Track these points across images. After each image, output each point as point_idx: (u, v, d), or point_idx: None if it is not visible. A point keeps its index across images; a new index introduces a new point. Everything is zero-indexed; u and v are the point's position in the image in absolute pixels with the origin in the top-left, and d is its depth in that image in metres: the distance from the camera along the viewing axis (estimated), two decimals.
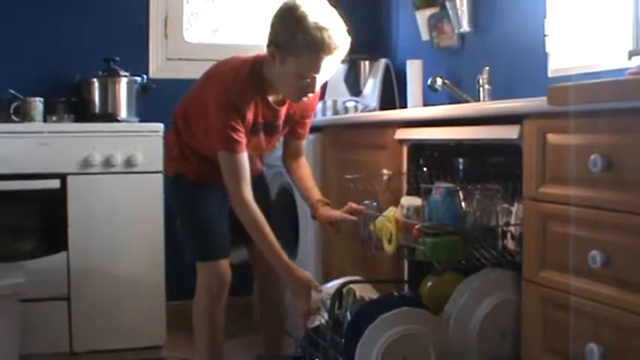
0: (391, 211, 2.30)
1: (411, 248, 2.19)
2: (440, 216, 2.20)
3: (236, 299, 3.93)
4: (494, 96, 3.21)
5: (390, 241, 2.25)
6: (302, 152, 2.92)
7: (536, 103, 1.91)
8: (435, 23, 3.77)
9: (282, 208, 3.85)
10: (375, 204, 2.62)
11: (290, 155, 2.92)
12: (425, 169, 2.72)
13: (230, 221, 2.77)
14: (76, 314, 3.36)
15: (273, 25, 2.50)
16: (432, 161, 2.72)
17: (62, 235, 3.34)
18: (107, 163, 3.38)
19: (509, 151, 2.14)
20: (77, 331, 3.36)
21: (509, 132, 2.07)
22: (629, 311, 1.63)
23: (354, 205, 2.65)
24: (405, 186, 2.73)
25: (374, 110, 3.91)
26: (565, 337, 1.84)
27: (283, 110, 2.70)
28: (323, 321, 2.39)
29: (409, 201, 2.22)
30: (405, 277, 2.73)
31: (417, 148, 2.71)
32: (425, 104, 3.76)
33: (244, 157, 2.56)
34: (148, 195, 3.46)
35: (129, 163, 3.41)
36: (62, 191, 3.34)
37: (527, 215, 2.00)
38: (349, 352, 2.16)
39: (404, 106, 3.92)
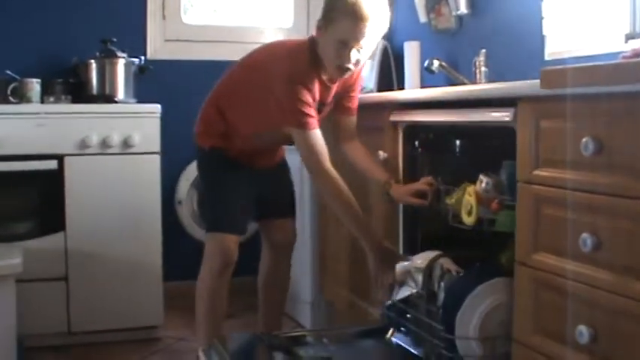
0: (468, 186, 2.37)
1: (491, 220, 2.27)
2: None
3: (234, 280, 3.97)
4: (490, 78, 3.21)
5: (469, 214, 2.34)
6: (354, 131, 2.90)
7: (530, 86, 1.92)
8: (432, 5, 3.76)
9: None
10: None
11: (344, 137, 2.90)
12: (420, 150, 2.73)
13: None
14: (73, 294, 3.37)
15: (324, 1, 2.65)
16: (427, 143, 2.73)
17: (59, 215, 3.35)
18: (104, 144, 3.38)
19: (504, 134, 2.14)
20: (75, 311, 3.38)
21: (504, 115, 2.08)
22: (619, 294, 1.65)
23: (429, 179, 2.65)
24: (400, 167, 2.75)
25: (371, 92, 3.91)
26: (556, 319, 1.86)
27: (334, 88, 2.76)
28: (414, 292, 2.46)
29: (488, 176, 2.27)
30: None
31: (413, 130, 2.72)
32: (422, 86, 3.76)
33: (319, 132, 2.61)
34: (145, 176, 3.46)
35: (126, 144, 3.41)
36: (59, 172, 3.34)
37: (521, 198, 2.01)
38: (448, 320, 2.24)
39: (401, 87, 3.92)
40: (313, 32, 2.69)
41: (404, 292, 2.52)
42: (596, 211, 1.71)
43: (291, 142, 2.73)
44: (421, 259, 2.48)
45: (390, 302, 2.59)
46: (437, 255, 2.46)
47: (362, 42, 2.56)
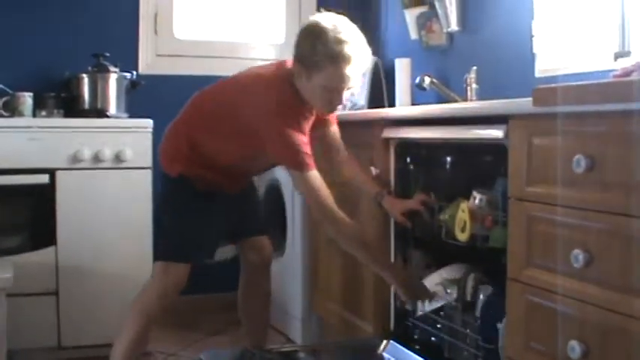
0: (462, 202, 2.38)
1: (485, 236, 2.30)
2: None
3: (221, 296, 3.97)
4: (481, 95, 3.23)
5: (463, 230, 2.36)
6: (341, 143, 2.85)
7: (522, 103, 1.93)
8: (423, 22, 3.79)
9: (270, 204, 3.87)
10: None
11: (333, 151, 2.86)
12: (411, 167, 2.75)
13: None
14: (64, 309, 3.36)
15: (297, 43, 2.53)
16: (419, 160, 2.75)
17: (51, 230, 3.34)
18: (96, 158, 3.38)
19: (496, 150, 2.16)
20: (65, 325, 3.36)
21: (496, 132, 2.09)
22: (611, 310, 1.66)
23: (424, 196, 2.67)
24: (392, 183, 2.77)
25: (362, 108, 3.93)
26: (548, 335, 1.87)
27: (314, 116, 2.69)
28: (447, 303, 2.51)
29: (481, 192, 2.28)
30: None
31: (404, 146, 2.73)
32: (413, 103, 3.78)
33: (317, 172, 2.53)
34: (136, 190, 3.46)
35: (118, 158, 3.41)
36: (51, 186, 3.34)
37: (513, 214, 2.02)
38: (486, 330, 2.27)
39: (392, 104, 3.94)
40: (288, 62, 2.60)
41: (436, 304, 2.54)
42: (587, 227, 1.73)
43: (275, 165, 2.73)
44: (452, 272, 2.51)
45: (420, 313, 2.62)
46: (468, 267, 2.49)
47: (351, 83, 2.50)
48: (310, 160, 2.51)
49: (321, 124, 2.76)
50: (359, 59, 2.47)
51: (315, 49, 2.45)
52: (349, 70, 2.45)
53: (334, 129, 2.85)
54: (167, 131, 2.82)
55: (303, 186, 2.54)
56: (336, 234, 2.57)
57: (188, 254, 2.73)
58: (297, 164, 2.50)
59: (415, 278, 2.62)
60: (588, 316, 1.73)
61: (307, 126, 2.59)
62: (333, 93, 2.50)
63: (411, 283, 2.58)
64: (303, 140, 2.50)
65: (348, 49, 2.43)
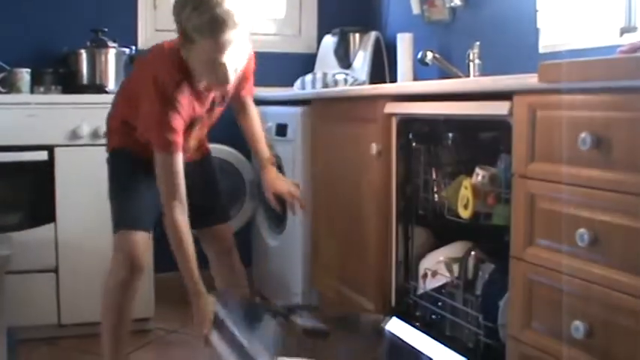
0: (464, 179, 2.36)
1: (488, 214, 2.28)
2: None
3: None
4: (484, 71, 3.20)
5: (466, 207, 2.34)
6: (249, 105, 2.87)
7: (527, 79, 1.90)
8: None
9: None
10: None
11: (238, 112, 2.88)
12: (414, 143, 2.72)
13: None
14: (63, 286, 3.36)
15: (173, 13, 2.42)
16: (421, 135, 2.72)
17: (50, 206, 3.33)
18: (95, 134, 3.36)
19: (499, 127, 2.13)
20: (65, 303, 3.36)
21: (499, 108, 2.06)
22: (616, 289, 1.64)
23: (296, 186, 2.75)
24: (394, 159, 2.74)
25: (364, 83, 3.90)
26: (551, 314, 1.85)
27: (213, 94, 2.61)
28: (448, 281, 2.49)
29: (484, 169, 2.26)
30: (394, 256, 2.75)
31: (406, 122, 2.71)
32: (415, 78, 3.75)
33: (180, 158, 2.47)
34: None
35: None
36: (50, 163, 3.32)
37: (516, 192, 2.00)
38: (487, 307, 2.27)
39: (394, 79, 3.91)
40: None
41: (437, 282, 2.54)
42: (593, 206, 1.71)
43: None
44: (454, 250, 2.51)
45: (422, 291, 2.62)
46: (470, 245, 2.48)
47: (231, 51, 2.35)
48: (177, 146, 2.44)
49: (237, 99, 2.79)
50: (235, 22, 2.30)
51: (183, 21, 2.34)
52: (226, 39, 2.30)
53: (249, 100, 2.85)
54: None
55: (160, 167, 2.47)
56: (168, 223, 2.51)
57: (126, 217, 2.65)
58: (161, 145, 2.44)
59: (210, 308, 2.52)
60: (593, 296, 1.71)
61: (194, 106, 2.51)
62: (215, 64, 2.36)
63: (205, 311, 2.50)
64: (177, 129, 2.42)
65: (218, 16, 2.28)
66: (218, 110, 2.72)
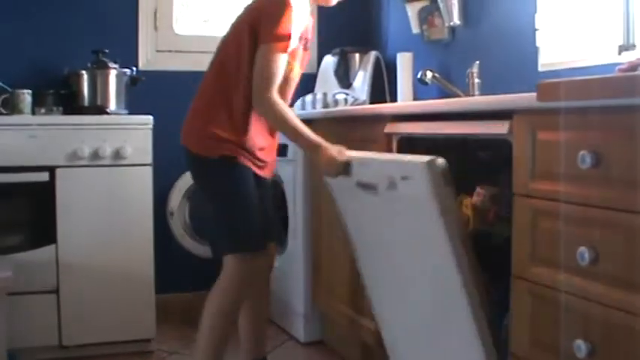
0: (464, 198, 2.39)
1: (487, 232, 2.31)
2: None
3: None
4: (484, 90, 3.21)
5: (467, 226, 2.36)
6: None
7: (526, 98, 1.91)
8: (425, 16, 3.77)
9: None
10: None
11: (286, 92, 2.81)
12: None
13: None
14: (64, 307, 3.34)
15: None
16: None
17: (51, 227, 3.32)
18: (96, 155, 3.36)
19: (499, 146, 2.13)
20: (66, 324, 3.35)
21: (499, 127, 2.07)
22: (617, 308, 1.64)
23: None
24: None
25: (364, 103, 3.91)
26: (554, 333, 1.84)
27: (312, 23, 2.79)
28: None
29: (484, 188, 2.28)
30: None
31: (407, 142, 2.71)
32: (415, 97, 3.76)
33: (285, 59, 2.59)
34: (137, 188, 3.44)
35: (118, 155, 3.39)
36: (51, 184, 3.32)
37: (517, 211, 2.00)
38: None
39: (394, 98, 3.92)
40: None
41: None
42: (593, 224, 1.71)
43: None
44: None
45: None
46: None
47: None
48: (286, 45, 2.57)
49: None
50: None
51: None
52: None
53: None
54: (193, 113, 2.78)
55: (265, 57, 2.57)
56: (270, 104, 2.58)
57: (248, 239, 2.66)
58: (275, 37, 2.55)
59: (337, 155, 2.52)
60: (594, 315, 1.71)
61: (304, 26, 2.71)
62: None
63: (334, 161, 2.51)
64: (290, 28, 2.56)
65: None
66: (306, 56, 2.84)
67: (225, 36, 2.77)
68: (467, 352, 2.19)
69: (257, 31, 2.60)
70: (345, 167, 2.47)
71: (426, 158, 2.07)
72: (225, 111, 2.67)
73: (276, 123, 2.65)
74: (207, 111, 2.72)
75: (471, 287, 2.09)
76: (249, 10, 2.71)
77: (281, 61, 2.59)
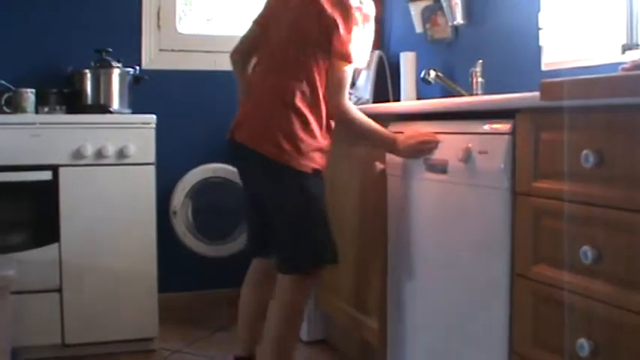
0: None
1: None
2: None
3: (226, 292, 3.95)
4: (487, 89, 3.21)
5: None
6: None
7: (529, 98, 1.91)
8: (428, 15, 3.77)
9: None
10: None
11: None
12: None
13: None
14: (67, 306, 3.35)
15: None
16: None
17: (54, 226, 3.32)
18: (99, 154, 3.37)
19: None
20: (69, 323, 3.35)
21: (502, 126, 2.07)
22: (621, 307, 1.63)
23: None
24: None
25: (367, 102, 3.91)
26: (556, 332, 1.84)
27: None
28: None
29: None
30: None
31: None
32: (418, 97, 3.76)
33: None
34: (140, 187, 3.45)
35: (121, 154, 3.39)
36: (54, 183, 3.32)
37: (520, 210, 2.00)
38: None
39: (397, 97, 3.92)
40: None
41: None
42: (596, 223, 1.70)
43: None
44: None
45: None
46: None
47: None
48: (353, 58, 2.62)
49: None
50: None
51: None
52: None
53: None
54: (261, 116, 2.68)
55: (342, 76, 2.62)
56: (350, 115, 2.66)
57: (333, 251, 2.73)
58: (347, 55, 2.61)
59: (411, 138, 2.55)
60: (597, 314, 1.71)
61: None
62: None
63: (411, 146, 2.53)
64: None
65: None
66: None
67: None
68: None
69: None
70: (425, 146, 2.48)
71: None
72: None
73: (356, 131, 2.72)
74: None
75: None
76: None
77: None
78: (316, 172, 2.64)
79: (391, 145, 2.62)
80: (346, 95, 2.65)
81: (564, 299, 1.80)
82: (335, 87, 2.63)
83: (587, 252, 1.71)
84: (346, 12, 2.61)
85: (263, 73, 2.75)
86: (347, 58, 2.61)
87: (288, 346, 2.71)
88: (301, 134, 2.59)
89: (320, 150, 2.65)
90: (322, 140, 2.66)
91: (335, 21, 2.60)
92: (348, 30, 2.60)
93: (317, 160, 2.64)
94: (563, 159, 1.80)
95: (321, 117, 2.64)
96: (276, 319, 2.68)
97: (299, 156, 2.58)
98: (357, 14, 2.63)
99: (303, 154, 2.59)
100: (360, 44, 2.65)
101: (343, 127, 2.70)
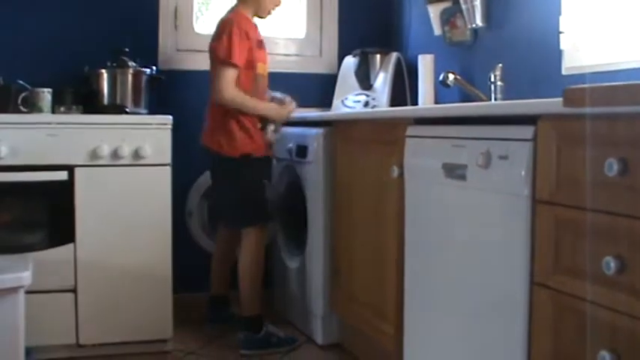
0: None
1: None
2: None
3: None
4: (506, 93, 3.18)
5: None
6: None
7: (552, 104, 1.87)
8: (447, 18, 3.74)
9: (291, 202, 3.84)
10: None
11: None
12: None
13: None
14: (82, 306, 3.34)
15: None
16: None
17: (69, 226, 3.32)
18: (115, 155, 3.36)
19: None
20: (83, 323, 3.34)
21: (524, 132, 2.04)
22: None
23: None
24: None
25: (385, 105, 3.88)
26: (577, 344, 1.81)
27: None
28: None
29: None
30: None
31: None
32: (436, 100, 3.73)
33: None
34: (155, 187, 3.43)
35: (137, 155, 3.38)
36: (70, 183, 3.31)
37: (540, 218, 1.96)
38: None
39: (415, 100, 3.89)
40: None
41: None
42: (620, 233, 1.67)
43: None
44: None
45: None
46: None
47: None
48: (234, 60, 3.37)
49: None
50: None
51: None
52: None
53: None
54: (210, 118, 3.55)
55: (219, 77, 3.40)
56: (233, 95, 3.42)
57: (263, 214, 3.58)
58: (224, 57, 3.37)
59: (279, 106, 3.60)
60: (620, 325, 1.67)
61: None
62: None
63: (280, 111, 3.57)
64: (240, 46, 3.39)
65: None
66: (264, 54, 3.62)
67: None
68: None
69: None
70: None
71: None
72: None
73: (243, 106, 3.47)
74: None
75: None
76: None
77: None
78: (245, 156, 3.46)
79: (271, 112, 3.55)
80: (226, 87, 3.39)
81: (586, 310, 1.77)
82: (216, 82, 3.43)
83: (610, 262, 1.67)
84: (222, 26, 3.47)
85: None
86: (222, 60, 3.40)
87: (249, 294, 3.53)
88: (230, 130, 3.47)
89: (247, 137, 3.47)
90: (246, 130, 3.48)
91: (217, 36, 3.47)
92: (220, 37, 3.41)
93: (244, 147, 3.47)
94: (586, 167, 1.77)
95: (234, 116, 3.45)
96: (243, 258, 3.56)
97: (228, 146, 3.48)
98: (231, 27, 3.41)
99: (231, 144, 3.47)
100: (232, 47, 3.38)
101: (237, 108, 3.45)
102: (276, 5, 3.60)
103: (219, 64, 3.40)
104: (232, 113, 3.42)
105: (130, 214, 3.40)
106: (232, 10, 3.56)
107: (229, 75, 3.38)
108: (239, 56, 3.38)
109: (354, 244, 3.23)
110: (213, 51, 3.45)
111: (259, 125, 3.50)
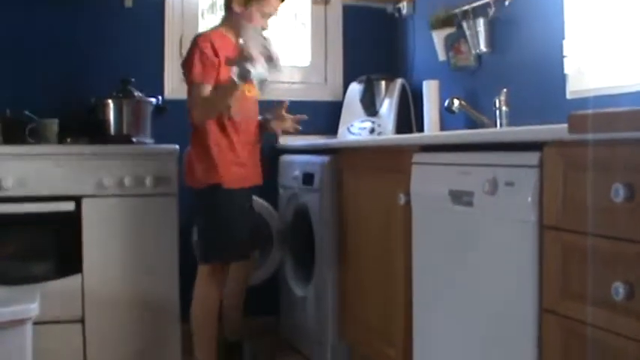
0: None
1: None
2: None
3: (260, 320, 3.93)
4: (512, 118, 3.18)
5: None
6: None
7: (557, 130, 1.87)
8: (451, 43, 3.75)
9: (298, 230, 3.83)
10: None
11: None
12: None
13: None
14: (90, 337, 3.34)
15: None
16: None
17: (77, 257, 3.33)
18: (122, 185, 3.37)
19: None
20: (91, 353, 3.34)
21: (530, 158, 2.04)
22: None
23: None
24: None
25: (390, 132, 3.89)
26: None
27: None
28: None
29: None
30: None
31: None
32: (442, 125, 3.74)
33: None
34: (162, 217, 3.44)
35: (143, 185, 3.39)
36: (77, 213, 3.32)
37: (548, 244, 1.96)
38: None
39: (421, 126, 3.90)
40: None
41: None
42: (628, 259, 1.66)
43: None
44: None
45: None
46: None
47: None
48: (196, 79, 3.18)
49: None
50: None
51: None
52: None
53: None
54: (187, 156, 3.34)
55: (188, 98, 3.26)
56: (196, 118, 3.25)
57: (225, 252, 3.30)
58: (188, 77, 3.24)
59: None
60: (629, 351, 1.66)
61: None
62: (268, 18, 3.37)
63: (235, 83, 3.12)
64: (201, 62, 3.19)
65: None
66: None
67: None
68: None
69: None
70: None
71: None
72: None
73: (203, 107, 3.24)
74: None
75: None
76: None
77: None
78: (212, 187, 3.22)
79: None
80: (191, 105, 3.24)
81: (595, 336, 1.76)
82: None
83: (618, 288, 1.66)
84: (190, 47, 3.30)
85: None
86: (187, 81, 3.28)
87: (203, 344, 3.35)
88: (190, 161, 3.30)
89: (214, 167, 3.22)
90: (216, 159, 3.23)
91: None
92: (185, 59, 3.31)
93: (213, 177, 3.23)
94: (593, 193, 1.77)
95: (197, 145, 3.26)
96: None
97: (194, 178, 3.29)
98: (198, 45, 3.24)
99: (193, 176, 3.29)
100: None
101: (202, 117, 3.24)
102: (271, 15, 3.34)
103: (187, 85, 3.28)
104: (197, 142, 3.24)
105: (137, 244, 3.41)
106: (210, 29, 3.42)
107: (194, 93, 3.19)
108: (199, 73, 3.16)
109: (362, 272, 3.22)
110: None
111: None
